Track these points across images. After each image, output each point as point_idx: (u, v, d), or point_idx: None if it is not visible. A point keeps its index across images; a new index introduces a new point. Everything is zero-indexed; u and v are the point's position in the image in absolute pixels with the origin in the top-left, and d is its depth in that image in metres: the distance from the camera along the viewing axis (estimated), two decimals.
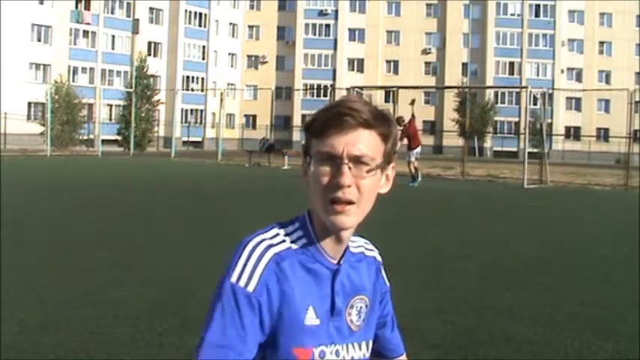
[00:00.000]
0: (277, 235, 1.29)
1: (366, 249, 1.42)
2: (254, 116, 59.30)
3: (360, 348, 1.34)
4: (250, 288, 1.22)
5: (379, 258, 1.45)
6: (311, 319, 1.26)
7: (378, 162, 1.24)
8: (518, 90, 56.08)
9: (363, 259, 1.39)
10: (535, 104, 35.62)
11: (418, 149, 18.38)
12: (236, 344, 1.20)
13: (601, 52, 62.08)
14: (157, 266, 6.61)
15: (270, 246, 1.26)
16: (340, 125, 1.22)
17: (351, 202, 1.23)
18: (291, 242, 1.28)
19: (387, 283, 1.47)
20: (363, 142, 1.23)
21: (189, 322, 4.56)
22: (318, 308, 1.27)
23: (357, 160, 1.22)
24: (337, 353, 1.30)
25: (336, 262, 1.30)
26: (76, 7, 49.59)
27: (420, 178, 18.26)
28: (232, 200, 13.70)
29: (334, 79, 60.19)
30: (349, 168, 1.21)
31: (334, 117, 1.23)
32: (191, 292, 5.44)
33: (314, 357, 1.26)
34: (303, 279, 1.26)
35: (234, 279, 1.23)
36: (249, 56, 62.52)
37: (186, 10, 56.14)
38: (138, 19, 53.01)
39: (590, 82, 58.72)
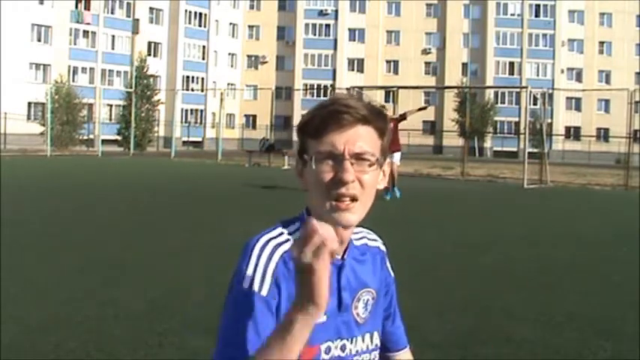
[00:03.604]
0: (282, 233, 1.28)
1: (369, 239, 1.41)
2: (254, 116, 59.29)
3: (365, 340, 1.34)
4: (264, 292, 1.20)
5: (383, 248, 1.44)
6: None
7: (378, 157, 1.24)
8: (518, 90, 56.04)
9: (367, 250, 1.38)
10: (535, 104, 35.57)
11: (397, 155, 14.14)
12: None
13: (601, 52, 62.06)
14: (156, 266, 6.60)
15: (278, 245, 1.24)
16: (338, 123, 1.22)
17: (354, 199, 1.22)
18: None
19: (392, 274, 1.46)
20: (363, 138, 1.22)
21: (189, 322, 4.56)
22: None
23: (359, 157, 1.22)
24: (344, 347, 1.29)
25: (339, 257, 1.29)
26: (76, 7, 49.55)
27: (398, 193, 14.00)
28: (232, 200, 13.69)
29: (334, 79, 60.20)
30: (351, 164, 1.21)
31: (331, 115, 1.22)
32: (191, 292, 5.45)
33: (320, 353, 1.25)
34: None
35: (246, 284, 1.20)
36: (249, 56, 62.52)
37: (186, 10, 56.13)
38: (138, 19, 52.98)
39: (590, 82, 58.70)
